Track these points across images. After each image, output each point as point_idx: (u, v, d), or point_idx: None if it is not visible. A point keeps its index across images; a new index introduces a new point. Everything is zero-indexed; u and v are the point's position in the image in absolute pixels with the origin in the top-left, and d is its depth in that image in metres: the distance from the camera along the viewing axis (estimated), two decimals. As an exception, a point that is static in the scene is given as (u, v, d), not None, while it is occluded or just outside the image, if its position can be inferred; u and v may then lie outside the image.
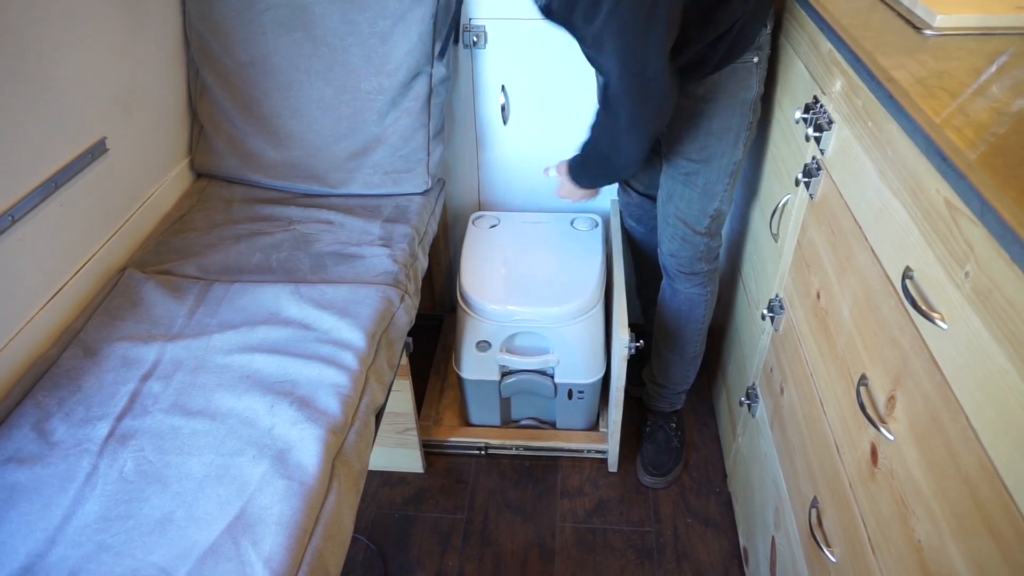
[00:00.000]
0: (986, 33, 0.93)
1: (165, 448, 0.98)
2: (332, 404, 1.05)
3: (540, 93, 1.68)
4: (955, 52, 0.88)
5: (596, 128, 1.22)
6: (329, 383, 1.09)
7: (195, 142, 1.63)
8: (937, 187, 0.71)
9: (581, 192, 1.43)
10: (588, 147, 1.28)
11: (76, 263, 1.26)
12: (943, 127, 0.71)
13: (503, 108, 1.70)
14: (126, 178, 1.40)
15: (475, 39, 1.60)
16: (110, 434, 1.00)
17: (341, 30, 1.51)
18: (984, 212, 0.61)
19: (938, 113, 0.74)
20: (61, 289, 1.21)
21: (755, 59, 1.21)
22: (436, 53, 1.50)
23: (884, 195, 0.84)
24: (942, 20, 0.95)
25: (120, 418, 1.03)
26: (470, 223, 1.74)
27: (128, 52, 1.38)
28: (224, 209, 1.53)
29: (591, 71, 1.45)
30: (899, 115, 0.78)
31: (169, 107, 1.55)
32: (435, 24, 1.47)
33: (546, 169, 1.47)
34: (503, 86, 1.67)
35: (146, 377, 1.10)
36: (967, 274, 0.65)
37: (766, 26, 1.21)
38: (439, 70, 1.52)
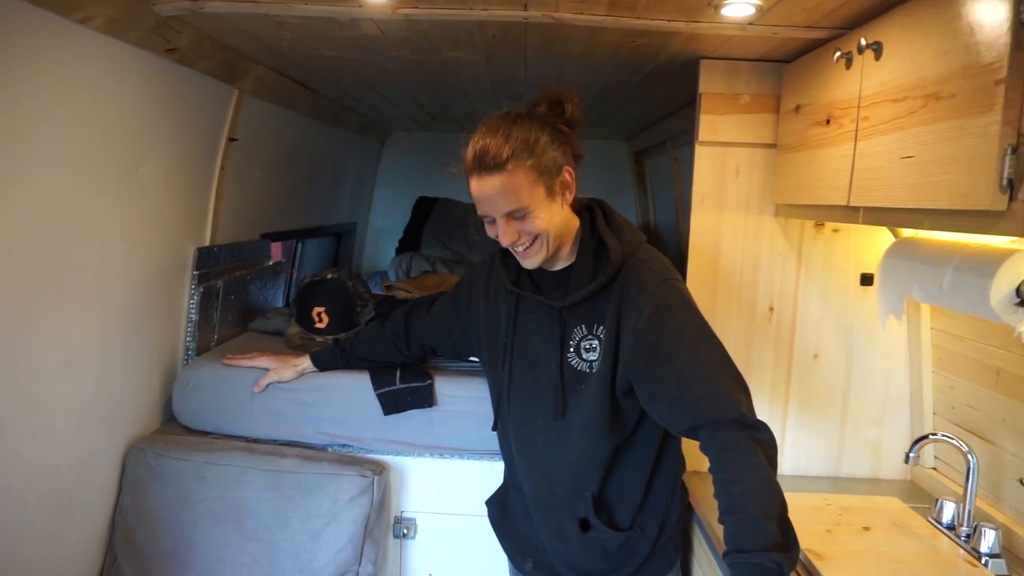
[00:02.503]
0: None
1: None
2: None
3: (467, 580, 1.67)
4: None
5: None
6: None
7: (90, 640, 1.50)
8: None
9: None
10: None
11: None
12: None
13: (429, 595, 1.67)
14: None
15: (406, 531, 1.64)
16: None
17: (273, 525, 1.53)
18: None
19: None
20: None
21: None
22: None
23: None
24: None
25: None
26: None
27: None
28: None
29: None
30: None
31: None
32: (367, 525, 1.51)
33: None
34: (430, 574, 1.66)
35: None
36: None
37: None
38: (366, 568, 1.52)
